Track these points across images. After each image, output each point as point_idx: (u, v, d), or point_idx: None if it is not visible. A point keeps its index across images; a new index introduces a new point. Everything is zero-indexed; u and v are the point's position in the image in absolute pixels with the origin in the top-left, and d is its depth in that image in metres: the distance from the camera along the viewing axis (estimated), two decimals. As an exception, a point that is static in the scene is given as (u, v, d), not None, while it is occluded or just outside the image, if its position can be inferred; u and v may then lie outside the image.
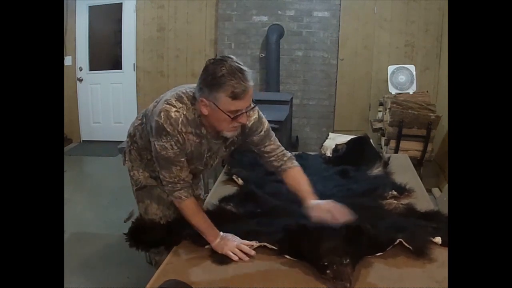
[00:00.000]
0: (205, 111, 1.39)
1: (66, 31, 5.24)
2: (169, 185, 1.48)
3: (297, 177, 1.55)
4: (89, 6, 5.30)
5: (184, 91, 1.49)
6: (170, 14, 5.03)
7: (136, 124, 1.70)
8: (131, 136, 1.73)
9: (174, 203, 1.52)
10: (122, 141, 2.67)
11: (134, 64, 5.19)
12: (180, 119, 1.42)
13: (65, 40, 5.22)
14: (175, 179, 1.46)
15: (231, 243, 1.39)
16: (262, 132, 1.54)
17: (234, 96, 1.32)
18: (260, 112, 1.56)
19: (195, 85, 1.44)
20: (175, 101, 1.45)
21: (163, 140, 1.42)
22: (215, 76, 1.33)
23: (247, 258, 1.35)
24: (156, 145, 1.44)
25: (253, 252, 1.36)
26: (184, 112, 1.44)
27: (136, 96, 5.28)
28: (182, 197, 1.47)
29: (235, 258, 1.34)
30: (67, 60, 5.30)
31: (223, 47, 4.94)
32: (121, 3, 5.19)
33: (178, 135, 1.42)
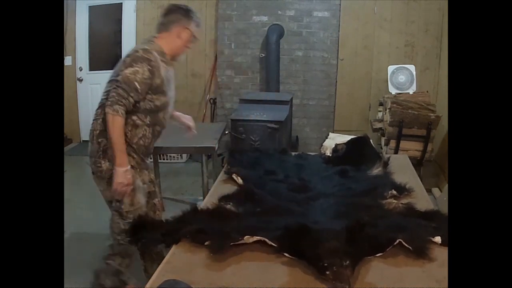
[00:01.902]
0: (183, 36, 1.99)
1: (66, 31, 5.25)
2: (115, 99, 1.80)
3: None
4: (89, 6, 5.30)
5: (137, 49, 1.92)
6: (170, 14, 5.03)
7: (99, 120, 1.97)
8: (101, 132, 1.96)
9: (107, 115, 1.81)
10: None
11: (134, 64, 5.19)
12: (147, 49, 1.89)
13: (65, 40, 5.23)
14: (123, 99, 1.80)
15: (129, 180, 1.83)
16: None
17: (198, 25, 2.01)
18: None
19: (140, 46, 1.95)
20: (144, 47, 1.92)
21: (137, 66, 1.83)
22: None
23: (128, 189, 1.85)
24: (126, 72, 1.83)
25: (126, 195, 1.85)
26: (145, 45, 1.93)
27: (136, 96, 5.28)
28: (119, 112, 1.79)
29: (118, 196, 1.84)
30: (67, 60, 5.31)
31: (223, 47, 4.94)
32: (121, 3, 5.19)
33: (154, 63, 1.86)
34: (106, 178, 1.94)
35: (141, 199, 1.98)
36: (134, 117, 1.92)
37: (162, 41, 1.97)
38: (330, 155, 2.26)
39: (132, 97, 1.82)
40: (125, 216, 1.95)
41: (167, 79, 1.95)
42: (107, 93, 1.91)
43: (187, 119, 2.32)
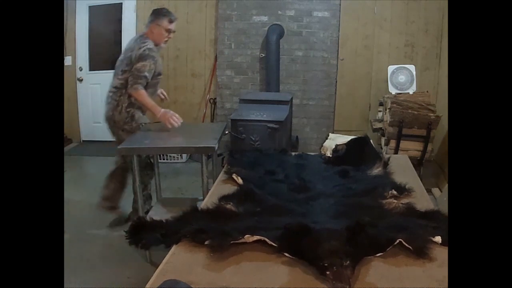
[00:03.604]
0: (154, 31, 2.86)
1: (66, 31, 5.25)
2: (133, 81, 2.74)
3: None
4: (89, 6, 5.30)
5: (143, 47, 2.80)
6: (170, 14, 5.03)
7: (122, 78, 2.87)
8: (129, 104, 2.89)
9: (133, 94, 2.77)
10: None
11: (134, 64, 5.19)
12: (150, 48, 2.79)
13: (65, 40, 5.23)
14: (139, 79, 2.73)
15: (170, 113, 2.73)
16: None
17: (170, 21, 2.86)
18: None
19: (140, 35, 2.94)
20: (144, 42, 2.81)
21: (146, 62, 2.75)
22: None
23: (177, 124, 2.72)
24: (137, 65, 2.75)
25: (180, 120, 2.76)
26: (149, 44, 2.81)
27: (136, 96, 5.28)
28: (139, 88, 2.73)
29: (170, 125, 2.72)
30: (67, 60, 5.31)
31: (223, 47, 4.94)
32: (121, 3, 5.19)
33: (156, 57, 2.81)
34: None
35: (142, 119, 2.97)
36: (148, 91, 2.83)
37: (150, 35, 2.86)
38: (330, 155, 2.26)
39: (143, 80, 2.74)
40: None
41: (160, 64, 2.90)
42: (124, 79, 2.84)
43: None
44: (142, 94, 2.74)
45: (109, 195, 3.09)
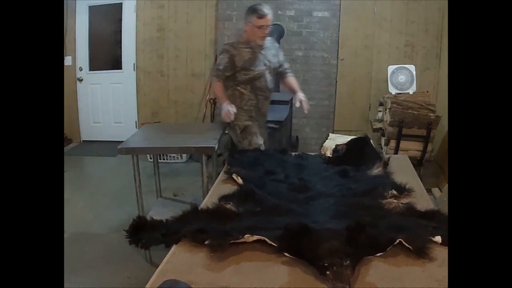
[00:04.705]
0: (247, 29, 2.76)
1: (66, 31, 5.25)
2: (213, 73, 2.94)
3: (291, 80, 2.97)
4: (89, 6, 5.30)
5: (225, 43, 3.11)
6: (170, 14, 5.03)
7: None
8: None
9: (212, 81, 3.11)
10: (122, 141, 2.68)
11: (134, 64, 5.19)
12: (233, 46, 2.80)
13: (65, 40, 5.23)
14: (216, 72, 2.83)
15: (227, 109, 2.69)
16: (283, 57, 3.00)
17: (259, 17, 2.68)
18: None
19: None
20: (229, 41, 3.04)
21: (221, 55, 2.82)
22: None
23: (228, 119, 2.73)
24: (217, 59, 2.96)
25: (232, 116, 2.71)
26: (234, 43, 2.83)
27: (136, 96, 5.28)
28: (214, 80, 2.84)
29: (223, 119, 2.76)
30: (67, 60, 5.31)
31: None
32: (121, 3, 5.19)
33: (232, 52, 2.76)
34: (238, 130, 2.86)
35: (258, 140, 2.85)
36: (239, 87, 2.82)
37: (245, 33, 2.82)
38: (331, 155, 2.26)
39: (217, 73, 2.82)
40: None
41: (252, 59, 2.76)
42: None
43: (299, 96, 2.84)
44: (215, 86, 2.85)
45: None
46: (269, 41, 2.87)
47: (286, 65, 3.01)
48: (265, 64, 2.81)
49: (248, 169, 2.00)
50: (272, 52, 2.87)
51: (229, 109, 2.71)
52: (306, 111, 2.80)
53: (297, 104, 2.79)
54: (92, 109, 5.50)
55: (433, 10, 4.58)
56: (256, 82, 2.80)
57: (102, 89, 5.44)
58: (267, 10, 2.69)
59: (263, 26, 2.68)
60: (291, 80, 2.97)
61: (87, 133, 5.58)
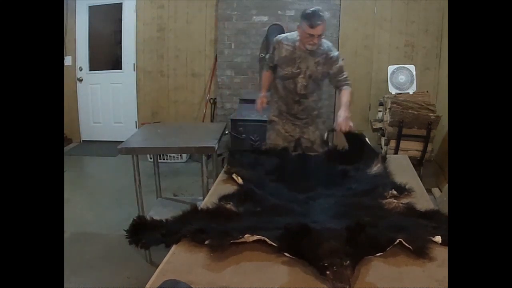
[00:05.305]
0: (299, 32, 2.65)
1: (66, 31, 5.25)
2: (262, 63, 3.24)
3: (343, 94, 2.70)
4: (89, 6, 5.30)
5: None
6: (170, 14, 5.03)
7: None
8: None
9: (262, 71, 3.01)
10: (122, 141, 2.68)
11: (134, 64, 5.19)
12: (278, 39, 2.76)
13: (65, 40, 5.23)
14: (264, 62, 2.94)
15: (262, 99, 2.81)
16: (337, 69, 2.73)
17: (310, 26, 2.54)
18: (340, 60, 2.76)
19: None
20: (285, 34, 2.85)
21: (271, 46, 2.82)
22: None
23: (259, 111, 2.86)
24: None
25: (263, 108, 2.83)
26: (282, 37, 2.77)
27: (136, 96, 5.28)
28: (264, 69, 2.91)
29: (257, 109, 2.86)
30: (67, 60, 5.31)
31: (223, 47, 4.94)
32: (121, 3, 5.19)
33: (276, 46, 2.74)
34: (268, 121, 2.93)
35: (277, 140, 2.83)
36: (277, 80, 2.82)
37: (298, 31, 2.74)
38: (325, 138, 2.36)
39: (265, 62, 2.94)
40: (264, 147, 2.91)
41: (287, 58, 2.69)
42: None
43: (338, 115, 2.57)
44: (262, 74, 2.96)
45: None
46: (322, 48, 2.67)
47: (341, 77, 2.72)
48: (299, 68, 2.66)
49: (248, 169, 2.00)
50: (316, 59, 2.66)
51: (262, 101, 2.83)
52: (340, 131, 2.47)
53: (336, 128, 2.49)
54: (92, 109, 5.50)
55: (433, 10, 4.57)
56: (285, 82, 2.74)
57: (102, 89, 5.44)
58: (319, 20, 2.52)
59: (313, 35, 2.54)
60: (342, 94, 2.70)
61: (87, 133, 5.58)
